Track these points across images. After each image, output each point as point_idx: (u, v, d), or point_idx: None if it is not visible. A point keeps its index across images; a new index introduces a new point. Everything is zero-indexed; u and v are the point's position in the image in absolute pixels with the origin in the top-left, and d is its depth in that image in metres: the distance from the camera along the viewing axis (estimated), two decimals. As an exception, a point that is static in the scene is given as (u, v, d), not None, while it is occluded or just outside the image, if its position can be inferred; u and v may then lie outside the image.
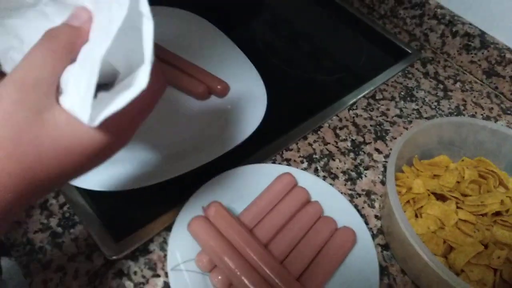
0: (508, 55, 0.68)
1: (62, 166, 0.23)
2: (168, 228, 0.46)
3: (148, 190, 0.45)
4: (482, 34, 0.71)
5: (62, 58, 0.24)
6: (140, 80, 0.23)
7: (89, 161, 0.25)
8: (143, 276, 0.42)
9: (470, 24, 0.72)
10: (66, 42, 0.24)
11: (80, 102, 0.23)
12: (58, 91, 0.24)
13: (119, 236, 0.44)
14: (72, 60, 0.25)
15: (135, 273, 0.42)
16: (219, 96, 0.58)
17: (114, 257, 0.42)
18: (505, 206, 0.46)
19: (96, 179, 0.46)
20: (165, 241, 0.45)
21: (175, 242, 0.42)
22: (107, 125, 0.23)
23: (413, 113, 0.65)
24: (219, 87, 0.57)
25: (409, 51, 0.76)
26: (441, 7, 0.75)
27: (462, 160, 0.54)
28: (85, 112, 0.22)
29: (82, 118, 0.23)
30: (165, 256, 0.44)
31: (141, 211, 0.47)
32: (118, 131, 0.25)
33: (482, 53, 0.71)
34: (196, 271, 0.41)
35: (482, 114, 0.67)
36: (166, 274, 0.42)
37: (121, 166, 0.48)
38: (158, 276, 0.42)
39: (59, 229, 0.44)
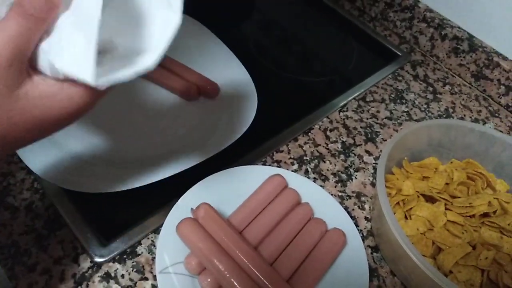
0: (495, 59, 0.69)
1: (30, 133, 0.26)
2: (157, 231, 0.45)
3: (136, 192, 0.45)
4: (471, 37, 0.72)
5: (37, 28, 0.24)
6: (149, 60, 0.25)
7: (56, 127, 0.27)
8: (131, 279, 0.42)
9: (459, 27, 0.73)
10: (41, 10, 0.24)
11: (79, 61, 0.23)
12: (31, 60, 0.25)
13: (106, 239, 0.44)
14: (48, 27, 0.25)
15: (122, 276, 0.42)
16: (209, 97, 0.58)
17: (101, 260, 0.42)
18: (492, 208, 0.47)
19: (83, 181, 0.45)
20: (153, 244, 0.44)
21: (163, 244, 0.42)
22: (75, 96, 0.25)
23: (403, 115, 0.65)
24: (209, 88, 0.57)
25: (399, 54, 0.76)
26: (431, 11, 0.75)
27: (451, 162, 0.54)
28: (87, 71, 0.23)
29: (84, 76, 0.23)
30: (153, 259, 0.43)
31: (129, 213, 0.47)
32: (85, 102, 0.26)
33: (471, 56, 0.72)
34: (184, 274, 0.41)
35: (470, 117, 0.68)
36: (154, 277, 0.42)
37: (109, 168, 0.47)
38: (146, 279, 0.42)
39: (45, 231, 0.44)
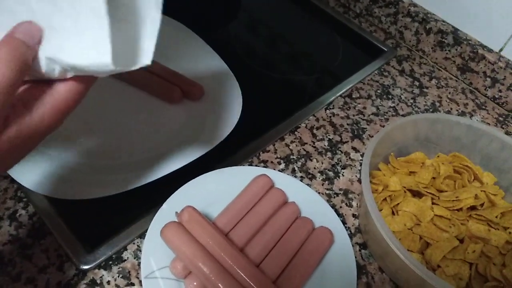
0: (480, 51, 0.69)
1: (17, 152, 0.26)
2: (142, 236, 0.45)
3: (121, 197, 0.44)
4: (455, 30, 0.72)
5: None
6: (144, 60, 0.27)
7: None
8: (117, 286, 0.41)
9: (443, 21, 0.73)
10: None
11: (95, 45, 0.23)
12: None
13: (91, 245, 0.43)
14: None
15: (108, 282, 0.41)
16: (193, 99, 0.57)
17: (86, 267, 0.41)
18: (479, 201, 0.47)
19: (66, 188, 0.44)
20: (139, 249, 0.44)
21: (149, 249, 0.41)
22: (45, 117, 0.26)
23: (389, 111, 0.65)
24: (193, 90, 0.56)
25: (385, 49, 0.76)
26: (415, 5, 0.75)
27: (438, 156, 0.54)
28: (106, 53, 0.23)
29: (103, 59, 0.23)
30: (139, 264, 0.43)
31: (114, 219, 0.46)
32: (55, 120, 0.27)
33: (456, 50, 0.72)
34: (171, 278, 0.40)
35: (457, 110, 0.68)
36: (141, 283, 0.41)
37: (92, 174, 0.47)
38: (133, 284, 0.41)
39: (29, 240, 0.43)
